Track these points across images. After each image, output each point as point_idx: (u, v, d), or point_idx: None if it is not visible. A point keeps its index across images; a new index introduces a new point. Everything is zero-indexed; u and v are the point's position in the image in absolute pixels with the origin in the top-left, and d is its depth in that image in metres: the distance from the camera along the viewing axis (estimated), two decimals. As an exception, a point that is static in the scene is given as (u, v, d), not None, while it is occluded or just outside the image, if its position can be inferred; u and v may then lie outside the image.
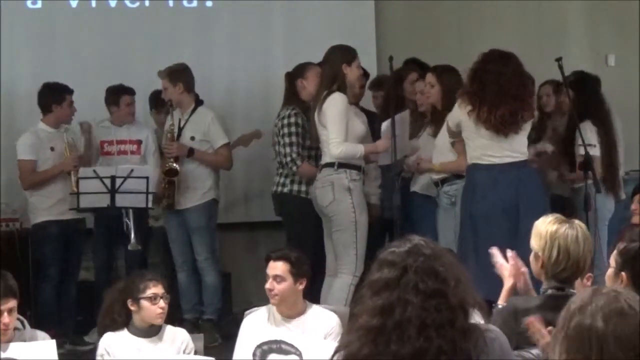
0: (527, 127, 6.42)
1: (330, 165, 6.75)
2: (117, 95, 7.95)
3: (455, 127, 6.53)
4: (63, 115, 7.75)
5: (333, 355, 2.82)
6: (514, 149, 6.37)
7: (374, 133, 7.10)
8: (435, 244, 2.88)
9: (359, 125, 6.85)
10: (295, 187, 7.38)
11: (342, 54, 6.83)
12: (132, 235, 7.27)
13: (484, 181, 6.38)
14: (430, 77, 7.00)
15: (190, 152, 7.63)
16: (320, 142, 6.84)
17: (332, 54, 6.85)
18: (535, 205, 6.11)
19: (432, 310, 2.71)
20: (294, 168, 7.33)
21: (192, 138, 7.68)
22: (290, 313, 5.08)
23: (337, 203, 6.69)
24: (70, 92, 7.78)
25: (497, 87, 6.31)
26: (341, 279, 6.68)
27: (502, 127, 6.30)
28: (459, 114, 6.46)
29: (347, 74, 6.78)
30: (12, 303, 4.61)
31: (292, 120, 7.35)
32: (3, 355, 4.52)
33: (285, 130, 7.35)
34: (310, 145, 7.30)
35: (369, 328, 2.73)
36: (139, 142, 7.99)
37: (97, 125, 7.99)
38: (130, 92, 7.99)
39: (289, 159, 7.33)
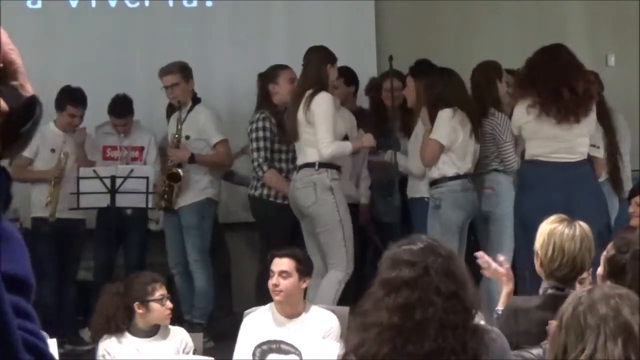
0: (592, 115, 6.41)
1: (310, 165, 6.71)
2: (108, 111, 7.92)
3: (517, 131, 6.59)
4: (62, 123, 7.70)
5: (346, 355, 2.80)
6: (573, 148, 6.40)
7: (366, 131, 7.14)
8: (444, 245, 2.87)
9: (339, 123, 6.83)
10: (266, 191, 7.30)
11: (326, 55, 6.84)
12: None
13: (537, 179, 6.43)
14: (407, 80, 7.20)
15: (192, 158, 7.56)
16: (301, 140, 6.78)
17: (316, 54, 6.84)
18: (587, 207, 6.03)
19: (451, 312, 2.71)
20: (260, 173, 7.29)
21: (187, 137, 7.62)
22: (291, 312, 5.09)
23: (321, 204, 6.65)
24: (75, 103, 7.68)
25: (553, 72, 6.34)
26: (332, 274, 6.63)
27: (572, 108, 6.30)
28: (518, 117, 6.50)
29: (330, 74, 6.80)
30: None
31: (260, 124, 7.28)
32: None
33: (254, 135, 7.29)
34: (279, 148, 7.26)
35: (389, 326, 2.72)
36: (141, 149, 7.95)
37: (97, 130, 7.98)
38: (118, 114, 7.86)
39: (256, 164, 7.30)
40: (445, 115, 6.80)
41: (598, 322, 2.44)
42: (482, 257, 4.30)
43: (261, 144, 7.25)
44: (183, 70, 7.59)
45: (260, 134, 7.27)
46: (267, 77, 7.41)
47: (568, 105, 6.31)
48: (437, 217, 6.78)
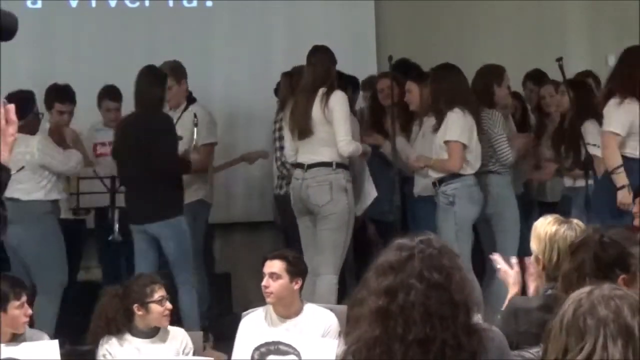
0: None
1: (326, 164, 6.72)
2: (100, 98, 7.90)
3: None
4: (53, 121, 7.62)
5: (347, 352, 2.81)
6: None
7: None
8: (448, 244, 2.88)
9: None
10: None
11: (331, 55, 6.87)
12: (116, 227, 7.21)
13: None
14: (409, 85, 7.21)
15: None
16: (314, 138, 6.75)
17: (323, 53, 6.86)
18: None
19: (435, 300, 2.72)
20: (284, 172, 7.29)
21: (180, 137, 7.55)
22: (287, 313, 5.09)
23: (335, 203, 6.67)
24: (62, 100, 7.51)
25: None
26: (327, 279, 6.65)
27: None
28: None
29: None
30: (25, 295, 4.72)
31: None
32: (7, 354, 4.54)
33: (277, 134, 7.32)
34: None
35: (377, 309, 2.74)
36: None
37: (92, 128, 7.95)
38: (113, 97, 7.86)
39: (279, 162, 7.33)
40: (456, 115, 6.78)
41: (598, 324, 2.44)
42: (496, 259, 4.25)
43: (284, 143, 7.20)
44: (174, 72, 7.41)
45: (284, 133, 7.20)
46: (294, 76, 7.40)
47: None
48: (452, 213, 6.74)
